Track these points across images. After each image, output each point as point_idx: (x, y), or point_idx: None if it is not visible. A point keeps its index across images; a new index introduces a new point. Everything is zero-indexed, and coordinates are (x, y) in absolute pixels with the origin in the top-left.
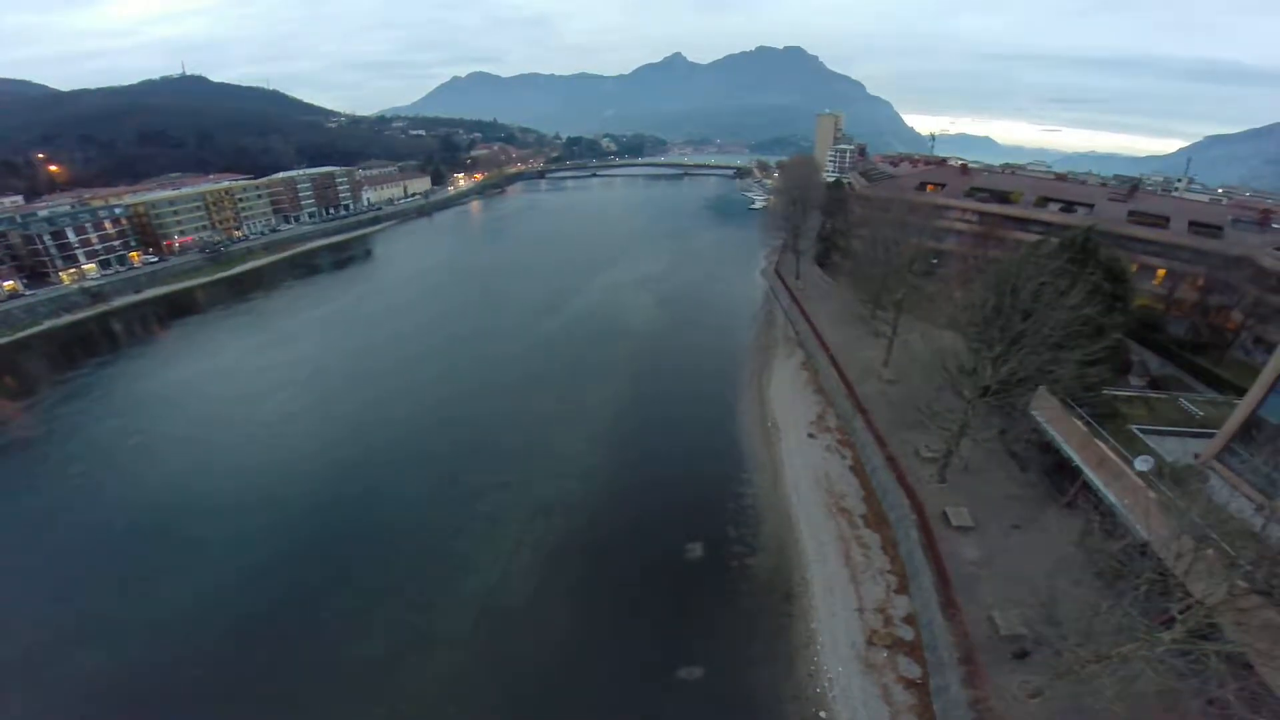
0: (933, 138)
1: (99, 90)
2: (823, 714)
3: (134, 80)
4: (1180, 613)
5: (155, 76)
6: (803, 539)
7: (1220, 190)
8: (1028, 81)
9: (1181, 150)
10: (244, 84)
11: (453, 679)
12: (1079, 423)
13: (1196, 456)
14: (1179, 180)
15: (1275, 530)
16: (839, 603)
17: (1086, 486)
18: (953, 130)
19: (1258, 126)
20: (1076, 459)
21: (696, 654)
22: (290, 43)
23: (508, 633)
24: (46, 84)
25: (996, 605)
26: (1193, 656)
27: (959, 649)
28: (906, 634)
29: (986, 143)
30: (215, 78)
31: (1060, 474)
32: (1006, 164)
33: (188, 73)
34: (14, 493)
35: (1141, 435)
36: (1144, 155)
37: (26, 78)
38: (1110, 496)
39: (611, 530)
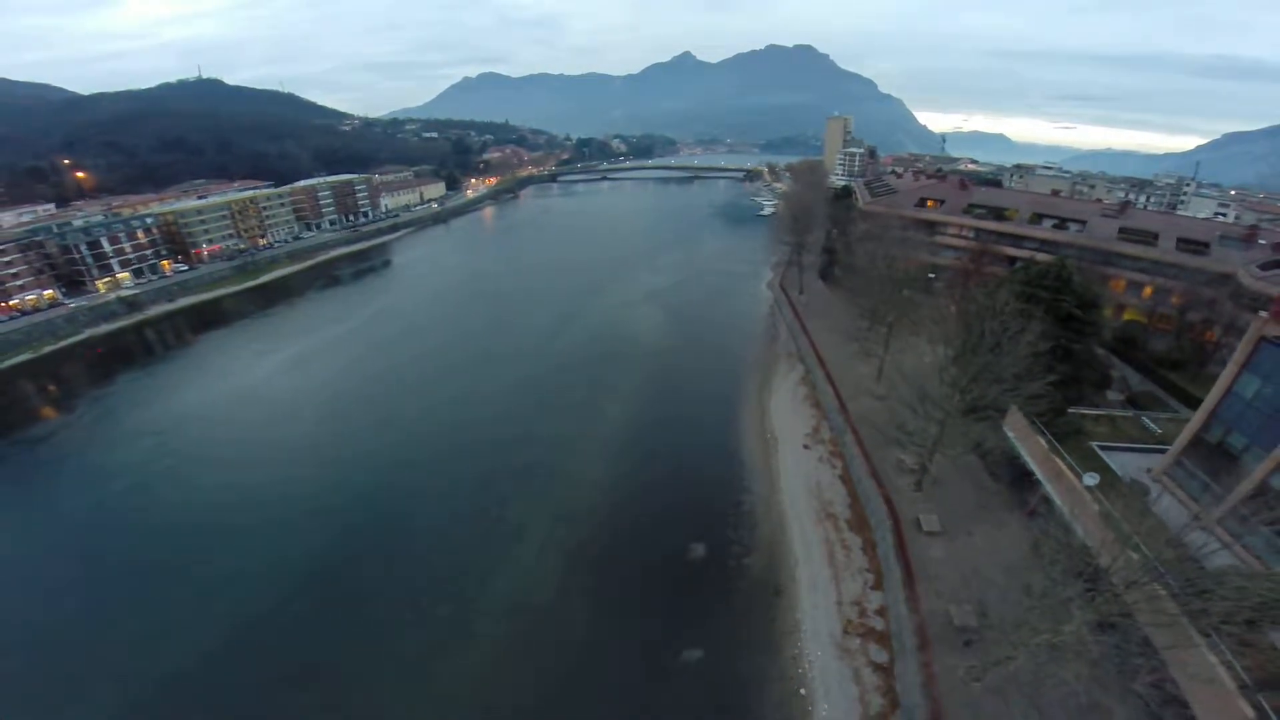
0: (944, 138)
1: (117, 94)
2: (802, 691)
3: (151, 83)
4: (1082, 604)
5: (170, 78)
6: (793, 541)
7: (1233, 191)
8: (1042, 78)
9: (1200, 147)
10: (258, 87)
11: (491, 664)
12: (1041, 440)
13: (1149, 471)
14: (1189, 182)
15: (1194, 534)
16: (821, 597)
17: (1045, 497)
18: (966, 128)
19: (1277, 123)
20: (1037, 472)
21: (697, 639)
22: (300, 44)
23: (535, 624)
24: (66, 87)
25: (953, 600)
26: (1109, 646)
27: (918, 638)
28: (878, 624)
29: (1000, 140)
30: (229, 80)
31: (1025, 486)
32: (1018, 164)
33: (203, 75)
34: (68, 505)
35: (1101, 452)
36: (1161, 153)
37: (44, 80)
38: (1062, 507)
39: (624, 534)
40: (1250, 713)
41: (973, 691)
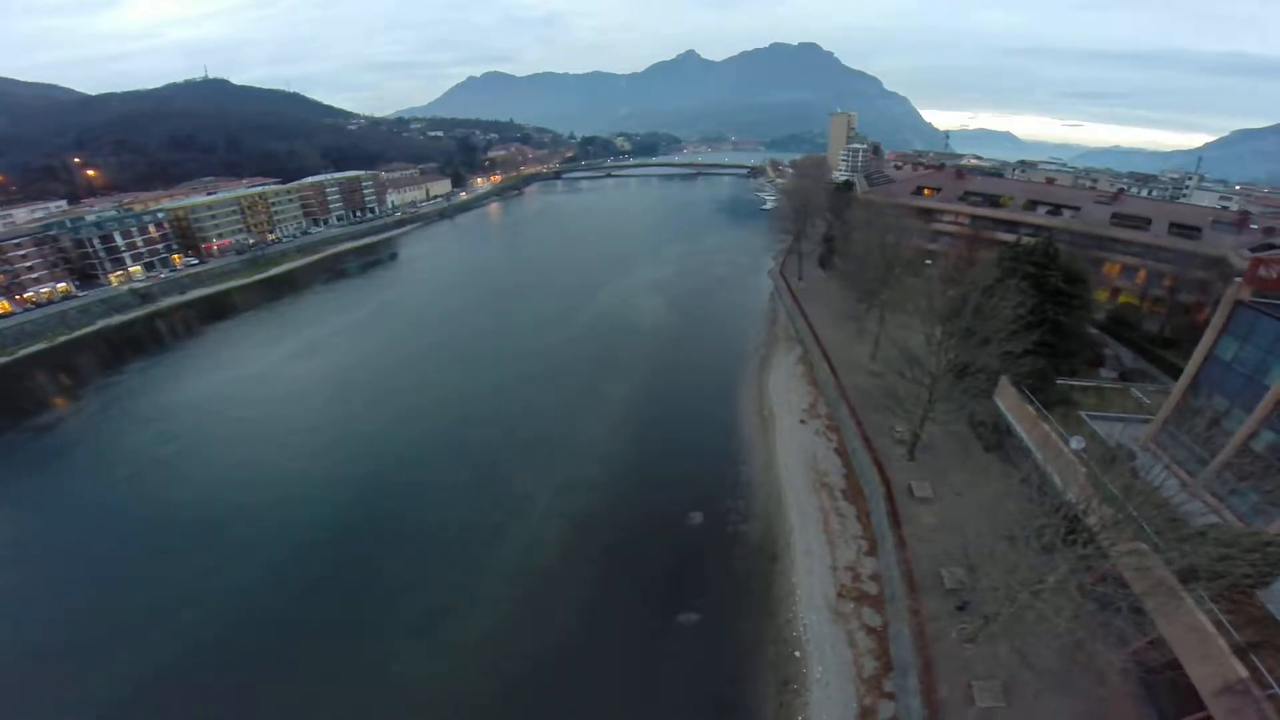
0: (947, 135)
1: (125, 94)
2: (797, 654)
3: (158, 84)
4: (1064, 547)
5: (177, 79)
6: (789, 509)
7: (1238, 187)
8: (1050, 76)
9: (1209, 144)
10: (264, 86)
11: (494, 625)
12: (1030, 408)
13: (1137, 439)
14: (1191, 177)
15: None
16: (816, 563)
17: (1034, 463)
18: (972, 126)
19: None
20: (1026, 439)
21: (694, 603)
22: (306, 44)
23: (539, 587)
24: (75, 87)
25: (945, 563)
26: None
27: (910, 601)
28: (871, 589)
29: (1007, 138)
30: (235, 80)
31: (1014, 452)
32: (1022, 160)
33: (209, 76)
34: (71, 491)
35: (1090, 421)
36: (1169, 150)
37: (55, 81)
38: (1049, 470)
39: (625, 502)
40: (1242, 671)
41: (965, 652)
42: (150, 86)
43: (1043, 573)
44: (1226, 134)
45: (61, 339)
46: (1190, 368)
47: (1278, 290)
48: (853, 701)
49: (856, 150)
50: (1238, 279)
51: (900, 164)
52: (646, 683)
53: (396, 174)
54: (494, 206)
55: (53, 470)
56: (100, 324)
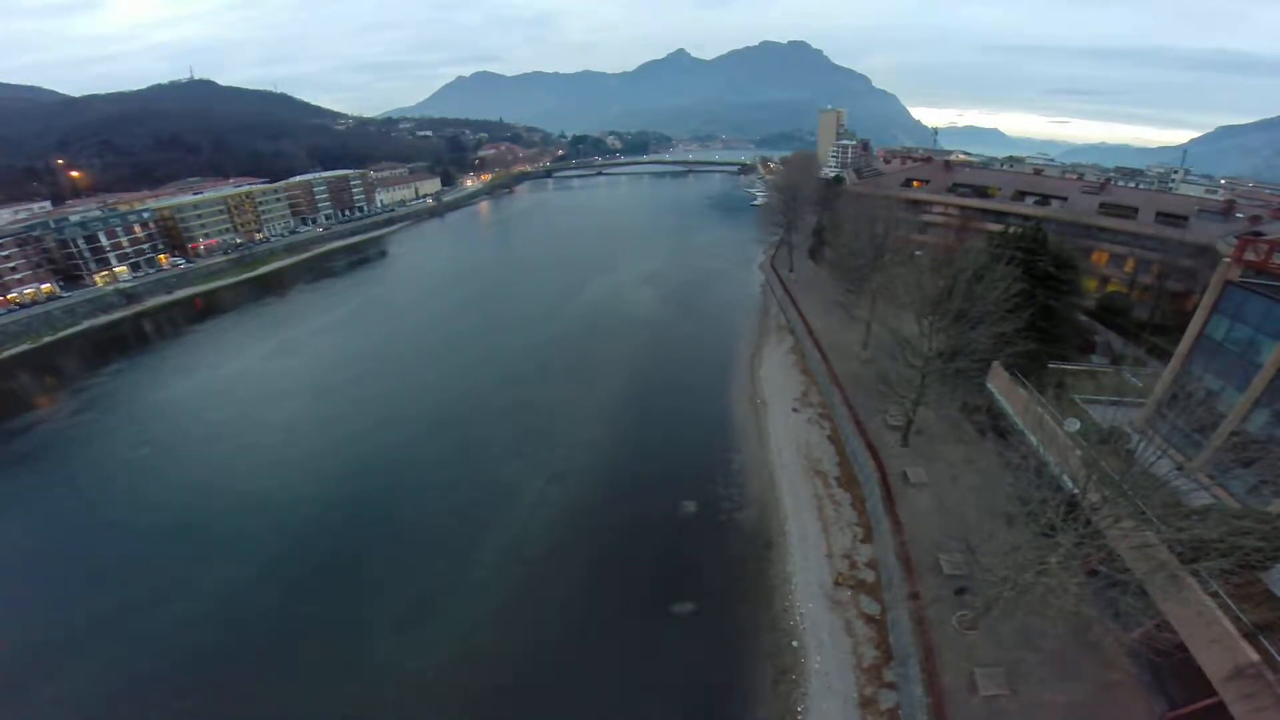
0: (935, 132)
1: (109, 95)
2: (794, 643)
3: (142, 85)
4: (1064, 526)
5: (162, 80)
6: (783, 497)
7: (1223, 181)
8: (1037, 73)
9: (1193, 141)
10: (251, 87)
11: (486, 618)
12: (1023, 391)
13: (1131, 423)
14: (1176, 171)
15: (1156, 463)
16: (812, 550)
17: (1028, 446)
18: (960, 123)
19: (1270, 117)
20: (1020, 423)
21: (688, 592)
22: (293, 45)
23: (530, 577)
24: (57, 89)
25: (942, 549)
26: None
27: (908, 588)
28: (868, 576)
29: (994, 135)
30: (221, 81)
31: (1008, 437)
32: (1010, 156)
33: (195, 77)
34: (47, 491)
35: (1084, 405)
36: (1155, 146)
37: (37, 83)
38: (1044, 454)
39: (617, 491)
40: (1253, 654)
41: (967, 638)
42: (135, 88)
43: (1044, 553)
44: (1211, 130)
45: (46, 339)
46: (1182, 348)
47: (1265, 270)
48: (853, 691)
49: (846, 146)
50: (1226, 259)
51: (889, 159)
52: (642, 673)
53: (385, 173)
54: (484, 205)
55: (29, 471)
56: (85, 324)
